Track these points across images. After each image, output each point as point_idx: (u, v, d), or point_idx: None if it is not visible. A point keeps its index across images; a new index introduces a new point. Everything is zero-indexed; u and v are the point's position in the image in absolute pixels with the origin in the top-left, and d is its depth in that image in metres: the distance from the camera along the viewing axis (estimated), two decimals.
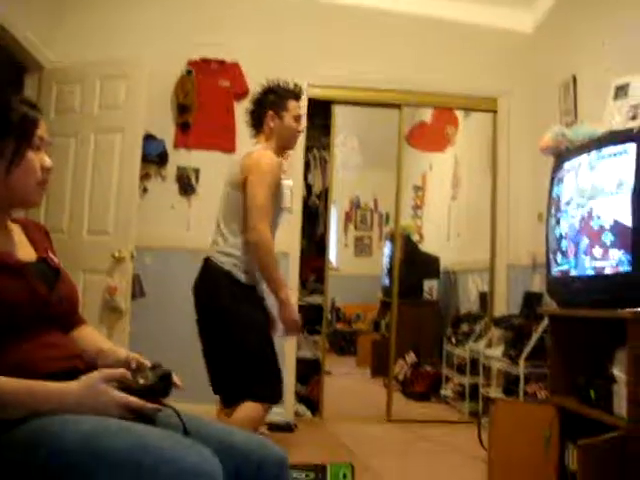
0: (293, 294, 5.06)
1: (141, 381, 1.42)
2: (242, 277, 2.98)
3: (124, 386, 1.40)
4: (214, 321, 3.01)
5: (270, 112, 3.17)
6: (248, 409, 2.90)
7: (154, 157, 4.96)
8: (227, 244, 3.01)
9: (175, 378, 1.51)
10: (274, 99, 3.20)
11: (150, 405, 1.41)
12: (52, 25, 4.83)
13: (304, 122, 3.35)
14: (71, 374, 1.43)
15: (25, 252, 1.64)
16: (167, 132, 5.06)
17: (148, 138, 4.79)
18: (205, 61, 5.11)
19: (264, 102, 3.22)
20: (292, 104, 3.22)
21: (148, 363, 1.53)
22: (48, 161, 1.63)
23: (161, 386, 1.45)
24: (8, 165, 1.53)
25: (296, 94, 3.27)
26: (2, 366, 1.37)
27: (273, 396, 3.02)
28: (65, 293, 1.66)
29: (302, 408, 5.17)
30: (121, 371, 1.43)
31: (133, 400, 1.38)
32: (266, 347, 3.03)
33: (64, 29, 4.94)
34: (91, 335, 1.76)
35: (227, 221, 3.06)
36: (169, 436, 1.32)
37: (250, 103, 3.32)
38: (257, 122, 3.25)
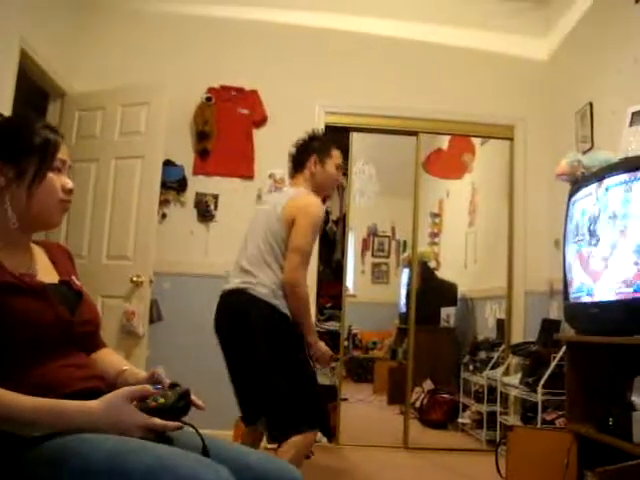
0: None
1: (161, 400, 1.43)
2: (286, 311, 3.00)
3: (144, 406, 1.41)
4: (254, 352, 2.97)
5: (314, 157, 3.26)
6: (297, 443, 2.90)
7: (173, 183, 5.01)
8: (267, 277, 3.01)
9: (194, 397, 1.52)
10: (318, 145, 3.30)
11: (172, 424, 1.42)
12: (74, 53, 4.93)
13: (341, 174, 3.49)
14: (93, 394, 1.45)
15: (48, 274, 1.67)
16: (186, 158, 5.11)
17: (167, 164, 4.85)
18: (225, 88, 5.17)
19: (309, 147, 3.31)
20: (335, 152, 3.32)
21: (167, 381, 1.54)
22: (69, 182, 1.66)
23: (181, 404, 1.46)
24: (30, 185, 1.57)
25: (339, 144, 3.39)
26: (26, 386, 1.39)
27: (317, 422, 3.04)
28: (87, 315, 1.68)
29: (318, 435, 5.14)
30: (142, 387, 1.45)
31: (155, 421, 1.40)
32: (308, 379, 3.06)
33: (86, 57, 5.03)
34: (111, 357, 1.78)
35: (267, 254, 3.05)
36: (187, 455, 1.33)
37: (293, 147, 3.38)
38: (298, 165, 3.32)
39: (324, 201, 5.59)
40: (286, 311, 2.99)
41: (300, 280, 2.98)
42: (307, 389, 3.00)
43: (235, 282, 3.07)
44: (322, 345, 3.16)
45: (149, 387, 1.45)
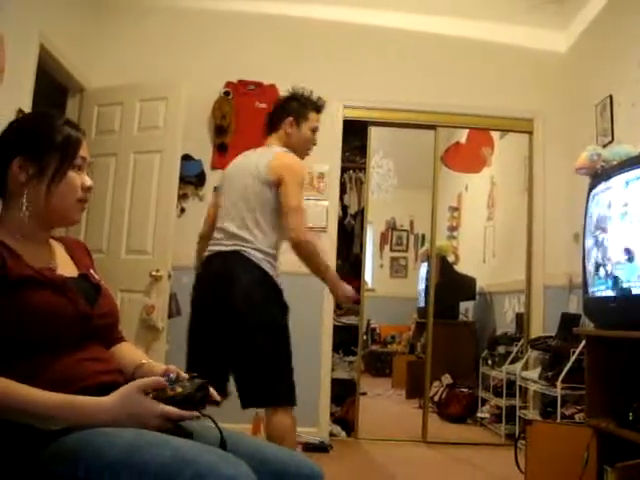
0: (328, 315, 5.09)
1: (179, 390, 1.43)
2: (275, 276, 2.99)
3: (161, 395, 1.41)
4: (240, 317, 2.91)
5: (290, 118, 3.22)
6: (285, 422, 2.89)
7: (192, 178, 5.02)
8: (260, 241, 2.98)
9: (212, 391, 1.52)
10: (297, 107, 3.25)
11: (188, 413, 1.41)
12: (93, 48, 4.95)
13: (318, 137, 3.35)
14: (111, 388, 1.45)
15: (67, 268, 1.68)
16: (205, 153, 5.12)
17: (186, 159, 4.85)
18: (243, 83, 5.18)
19: (286, 107, 3.27)
20: (312, 115, 3.26)
21: (186, 375, 1.55)
22: (89, 180, 1.67)
23: (199, 396, 1.45)
24: (49, 183, 1.58)
25: (318, 106, 3.30)
26: (45, 380, 1.40)
27: (294, 398, 2.99)
28: (106, 309, 1.69)
29: (337, 429, 5.16)
30: (155, 379, 1.45)
31: (171, 409, 1.39)
32: (289, 350, 3.02)
33: (104, 52, 5.05)
34: (130, 351, 1.79)
35: (257, 217, 3.01)
36: (206, 449, 1.32)
37: (273, 105, 3.38)
38: (274, 124, 3.27)
39: (342, 196, 5.63)
40: (273, 274, 2.98)
41: (308, 236, 2.95)
42: (287, 361, 2.98)
43: (226, 245, 3.02)
44: (346, 288, 3.08)
45: (162, 379, 1.45)
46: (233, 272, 2.96)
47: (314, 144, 3.34)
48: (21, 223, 1.58)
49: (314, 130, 3.28)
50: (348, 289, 3.07)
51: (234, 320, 2.91)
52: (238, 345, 2.93)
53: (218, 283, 3.01)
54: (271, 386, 2.92)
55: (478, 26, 5.39)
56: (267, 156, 3.10)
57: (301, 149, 3.27)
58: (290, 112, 3.24)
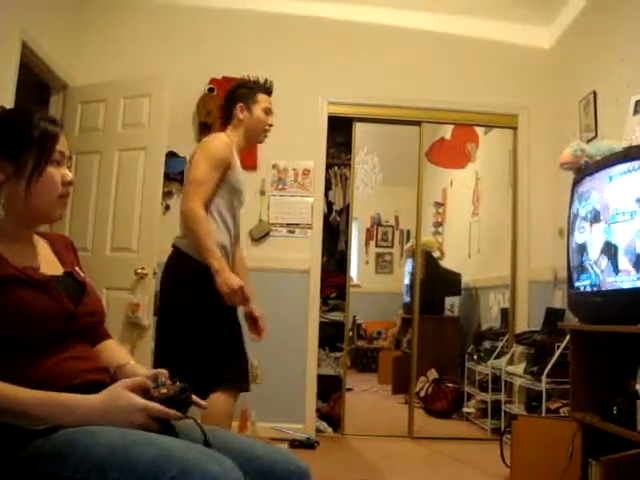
0: (314, 311, 5.09)
1: (163, 391, 1.44)
2: (200, 258, 2.90)
3: (148, 396, 1.42)
4: (176, 306, 2.98)
5: (240, 104, 3.21)
6: (220, 403, 2.81)
7: (176, 175, 4.99)
8: (182, 228, 3.03)
9: (195, 397, 1.52)
10: (244, 92, 3.25)
11: (173, 412, 1.42)
12: (76, 45, 4.91)
13: (273, 118, 3.32)
14: (98, 387, 1.45)
15: (51, 266, 1.66)
16: (189, 150, 5.04)
17: (170, 156, 4.83)
18: (227, 79, 5.15)
19: (234, 96, 3.26)
20: (262, 97, 3.25)
21: (169, 381, 1.54)
22: (69, 175, 1.63)
23: (182, 398, 1.47)
24: (28, 181, 1.54)
25: (266, 88, 3.30)
26: (31, 378, 1.39)
27: (242, 382, 2.96)
28: (91, 307, 1.68)
29: (323, 425, 5.16)
30: (141, 379, 1.45)
31: (155, 405, 1.40)
32: (229, 331, 3.00)
33: (88, 49, 5.02)
34: (114, 349, 1.77)
35: None
36: (192, 447, 1.32)
37: (222, 99, 3.38)
38: (227, 116, 3.27)
39: (327, 192, 5.62)
40: (200, 259, 2.89)
41: (194, 210, 2.87)
42: (220, 346, 2.93)
43: None
44: (228, 277, 2.84)
45: (147, 380, 1.45)
46: (166, 265, 3.12)
47: (270, 125, 3.29)
48: (1, 223, 1.55)
49: (266, 111, 3.26)
50: (232, 279, 2.85)
51: (169, 307, 3.09)
52: (175, 331, 2.99)
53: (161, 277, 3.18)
54: (203, 372, 2.81)
55: (462, 22, 5.39)
56: None
57: (256, 132, 3.27)
58: (238, 99, 3.24)
